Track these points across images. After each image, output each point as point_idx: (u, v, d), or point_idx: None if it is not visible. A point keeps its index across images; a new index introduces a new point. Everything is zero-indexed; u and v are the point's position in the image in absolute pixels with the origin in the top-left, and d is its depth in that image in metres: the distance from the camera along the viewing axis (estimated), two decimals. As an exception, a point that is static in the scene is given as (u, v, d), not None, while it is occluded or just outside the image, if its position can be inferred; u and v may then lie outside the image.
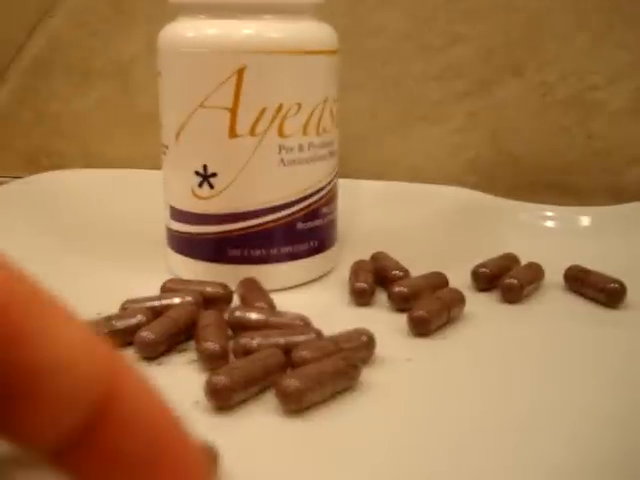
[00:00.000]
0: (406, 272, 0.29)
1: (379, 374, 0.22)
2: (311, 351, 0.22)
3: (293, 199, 0.28)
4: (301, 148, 0.28)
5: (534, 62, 0.40)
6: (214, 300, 0.26)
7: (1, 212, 0.38)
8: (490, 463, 0.18)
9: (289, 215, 0.29)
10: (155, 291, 0.27)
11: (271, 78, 0.27)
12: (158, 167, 0.31)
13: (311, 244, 0.29)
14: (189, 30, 0.28)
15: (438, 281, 0.28)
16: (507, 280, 0.28)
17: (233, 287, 0.27)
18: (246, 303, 0.26)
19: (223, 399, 0.20)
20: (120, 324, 0.24)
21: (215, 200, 0.28)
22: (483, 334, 0.25)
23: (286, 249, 0.29)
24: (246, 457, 0.18)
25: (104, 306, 0.25)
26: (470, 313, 0.27)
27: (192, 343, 0.24)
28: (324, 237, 0.30)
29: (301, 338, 0.23)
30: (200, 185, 0.28)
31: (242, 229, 0.28)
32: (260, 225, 0.28)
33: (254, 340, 0.23)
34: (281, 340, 0.23)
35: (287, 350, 0.22)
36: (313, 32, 0.28)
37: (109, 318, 0.24)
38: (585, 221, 0.37)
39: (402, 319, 0.25)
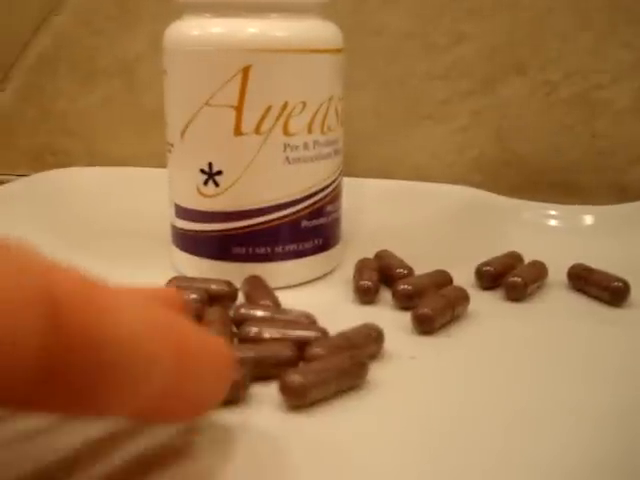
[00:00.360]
0: (410, 270, 0.29)
1: (383, 371, 0.22)
2: (324, 348, 0.22)
3: (298, 197, 0.29)
4: (306, 146, 0.28)
5: (538, 61, 0.40)
6: (219, 298, 0.27)
7: (6, 210, 0.38)
8: (494, 460, 0.18)
9: (294, 213, 0.29)
10: (160, 288, 0.27)
11: (276, 76, 0.27)
12: (163, 165, 0.31)
13: (316, 242, 0.30)
14: (194, 28, 0.28)
15: (442, 279, 0.28)
16: (511, 278, 0.28)
17: (238, 285, 0.27)
18: (251, 301, 0.26)
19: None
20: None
21: (220, 198, 0.28)
22: (487, 332, 0.25)
23: (291, 247, 0.29)
24: (249, 451, 0.18)
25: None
26: (474, 311, 0.27)
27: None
28: (329, 235, 0.30)
29: (309, 334, 0.23)
30: (205, 183, 0.28)
31: (247, 227, 0.28)
32: (265, 223, 0.28)
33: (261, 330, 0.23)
34: (292, 334, 0.23)
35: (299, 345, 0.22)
36: (318, 31, 0.28)
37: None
38: (589, 220, 0.37)
39: (406, 317, 0.26)
